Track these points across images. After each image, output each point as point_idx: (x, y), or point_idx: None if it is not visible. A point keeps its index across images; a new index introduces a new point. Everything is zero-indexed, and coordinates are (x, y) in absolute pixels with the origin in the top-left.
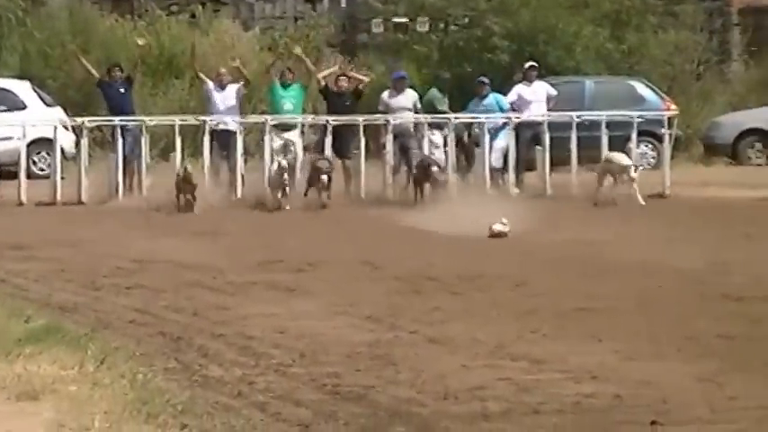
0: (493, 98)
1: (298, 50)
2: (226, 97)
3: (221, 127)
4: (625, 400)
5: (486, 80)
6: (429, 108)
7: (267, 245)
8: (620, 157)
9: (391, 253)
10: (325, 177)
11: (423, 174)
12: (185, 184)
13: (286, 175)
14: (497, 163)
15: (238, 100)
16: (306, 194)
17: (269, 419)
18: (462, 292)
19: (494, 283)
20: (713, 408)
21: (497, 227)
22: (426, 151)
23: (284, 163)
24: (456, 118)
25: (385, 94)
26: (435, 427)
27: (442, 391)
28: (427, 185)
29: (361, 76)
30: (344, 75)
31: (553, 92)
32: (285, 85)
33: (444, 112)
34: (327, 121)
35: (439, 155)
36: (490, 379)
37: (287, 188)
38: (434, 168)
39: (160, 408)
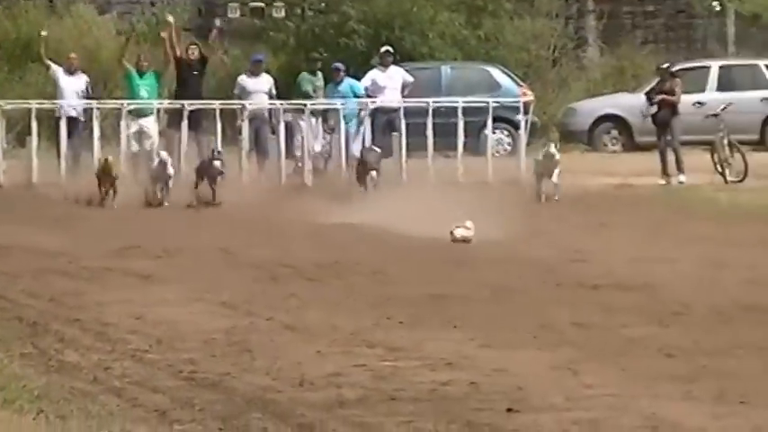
0: (347, 84)
1: (170, 19)
2: (74, 83)
3: (72, 113)
4: (481, 388)
5: (341, 66)
6: (299, 91)
7: (124, 232)
8: (554, 151)
9: (248, 240)
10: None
11: (365, 165)
12: (105, 175)
13: (170, 170)
14: (358, 151)
15: (87, 90)
16: (196, 187)
17: (125, 405)
18: (318, 279)
19: (350, 271)
20: (568, 395)
21: (460, 232)
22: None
23: (165, 155)
24: (312, 104)
25: (242, 77)
26: (291, 413)
27: (298, 378)
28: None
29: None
30: (195, 44)
31: (409, 78)
32: (140, 73)
33: (307, 93)
34: (183, 105)
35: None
36: (346, 366)
37: (169, 182)
38: (375, 160)
39: (16, 393)
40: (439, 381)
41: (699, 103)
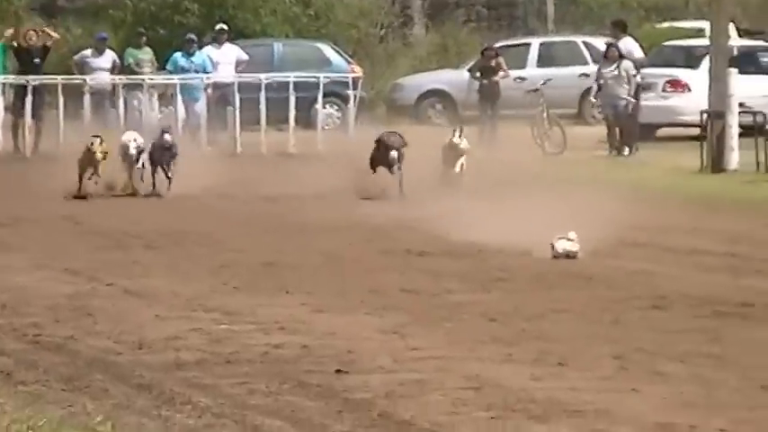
0: (201, 57)
1: None
2: None
3: None
4: (312, 351)
5: (194, 38)
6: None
7: None
8: (458, 140)
9: (93, 209)
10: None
11: (383, 153)
12: (88, 163)
13: (140, 153)
14: (197, 124)
15: None
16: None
17: None
18: (160, 247)
19: (190, 240)
20: (396, 358)
21: (562, 245)
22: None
23: (135, 137)
24: (151, 79)
25: (87, 52)
26: (131, 375)
27: (138, 341)
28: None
29: (51, 32)
30: (33, 30)
31: (244, 56)
32: None
33: (129, 67)
34: (27, 81)
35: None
36: (184, 330)
37: (144, 167)
38: (396, 148)
39: None
40: (272, 344)
41: (520, 78)
